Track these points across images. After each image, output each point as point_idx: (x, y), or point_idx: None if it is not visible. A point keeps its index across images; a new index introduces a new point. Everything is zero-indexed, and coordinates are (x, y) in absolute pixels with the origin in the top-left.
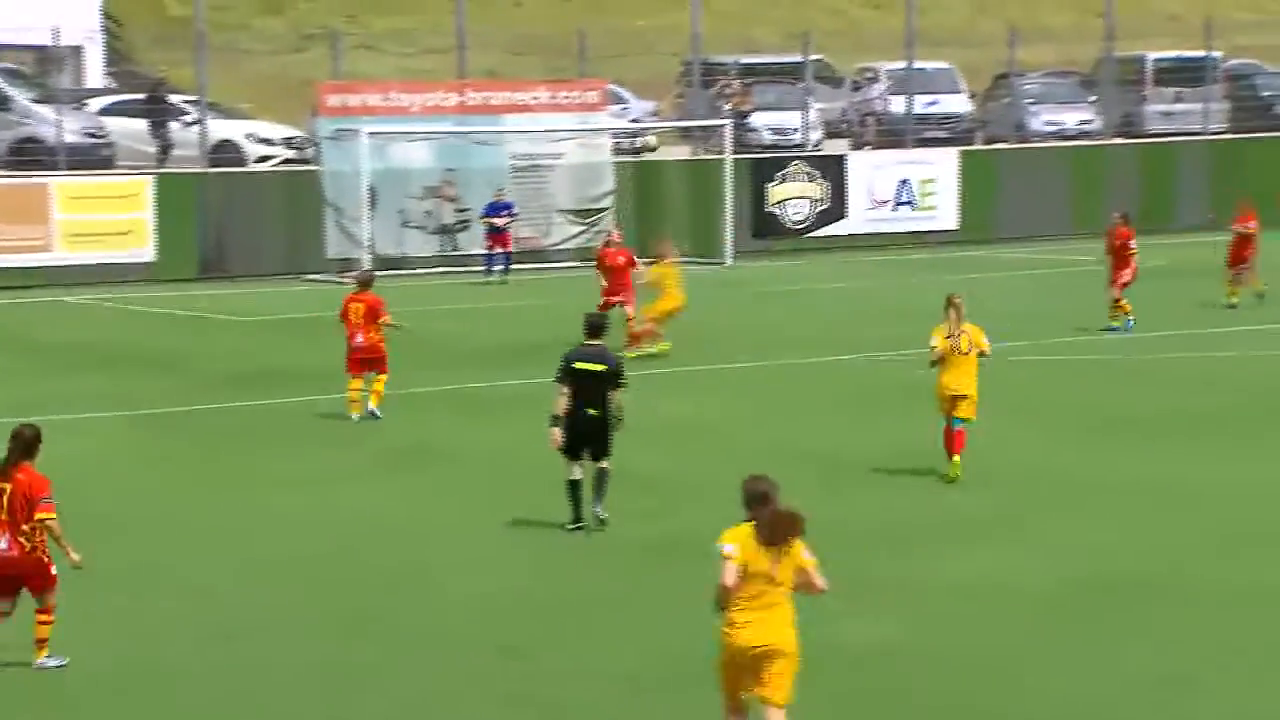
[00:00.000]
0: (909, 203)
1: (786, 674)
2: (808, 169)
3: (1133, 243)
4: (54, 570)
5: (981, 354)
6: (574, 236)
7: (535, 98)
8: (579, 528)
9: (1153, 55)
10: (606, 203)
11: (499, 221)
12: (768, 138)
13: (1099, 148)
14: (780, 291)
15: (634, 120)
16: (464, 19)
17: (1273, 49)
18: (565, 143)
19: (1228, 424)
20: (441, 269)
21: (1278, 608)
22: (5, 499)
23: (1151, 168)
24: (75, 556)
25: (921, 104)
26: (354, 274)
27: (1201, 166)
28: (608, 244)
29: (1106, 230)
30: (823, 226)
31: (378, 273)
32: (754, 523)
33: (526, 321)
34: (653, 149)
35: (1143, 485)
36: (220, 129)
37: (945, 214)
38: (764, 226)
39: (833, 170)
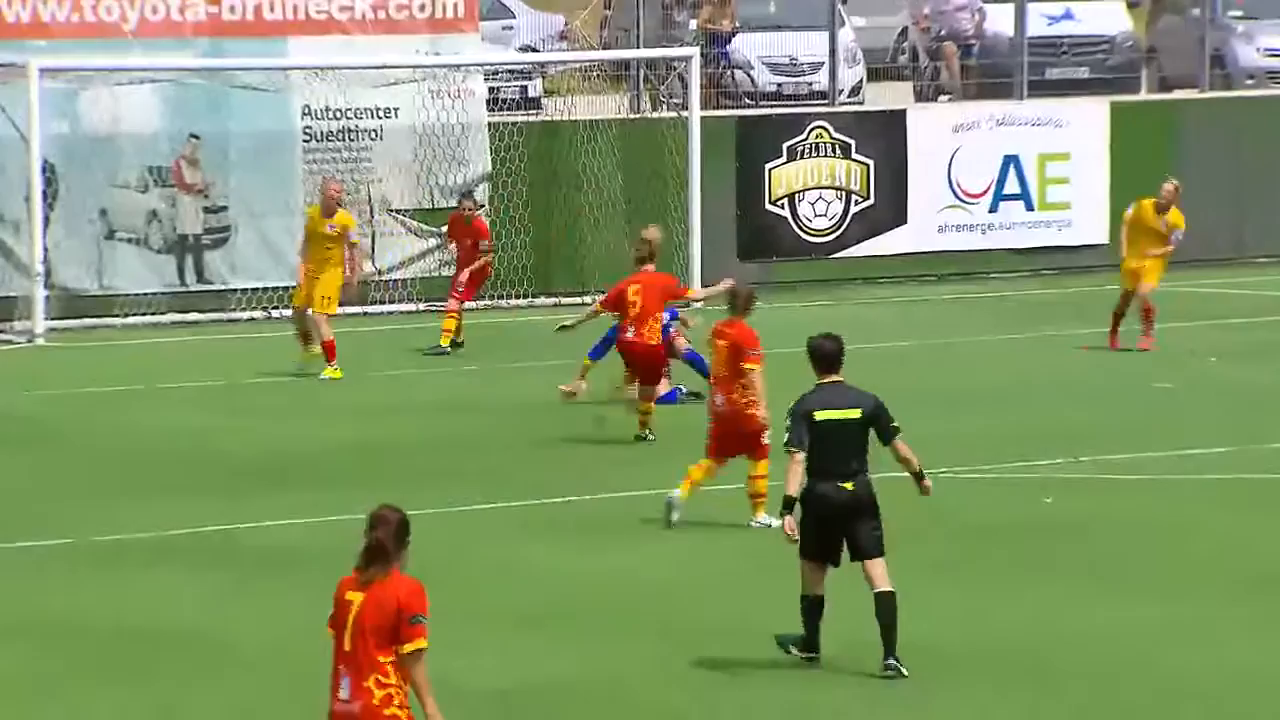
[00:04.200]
0: (1021, 197)
1: None
2: (838, 137)
3: None
4: None
5: None
6: (417, 258)
7: (348, 10)
8: (810, 657)
9: None
10: (478, 197)
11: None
12: (766, 81)
13: None
14: (788, 355)
15: (526, 48)
16: None
17: None
18: (402, 89)
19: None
20: (176, 315)
21: None
22: (353, 618)
23: None
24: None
25: (1043, 19)
26: (723, 288)
27: None
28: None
29: None
30: (865, 240)
31: (58, 322)
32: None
33: (333, 409)
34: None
35: None
36: None
37: (1086, 216)
38: (760, 238)
39: (884, 139)
